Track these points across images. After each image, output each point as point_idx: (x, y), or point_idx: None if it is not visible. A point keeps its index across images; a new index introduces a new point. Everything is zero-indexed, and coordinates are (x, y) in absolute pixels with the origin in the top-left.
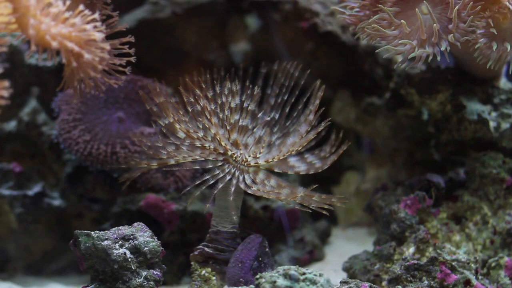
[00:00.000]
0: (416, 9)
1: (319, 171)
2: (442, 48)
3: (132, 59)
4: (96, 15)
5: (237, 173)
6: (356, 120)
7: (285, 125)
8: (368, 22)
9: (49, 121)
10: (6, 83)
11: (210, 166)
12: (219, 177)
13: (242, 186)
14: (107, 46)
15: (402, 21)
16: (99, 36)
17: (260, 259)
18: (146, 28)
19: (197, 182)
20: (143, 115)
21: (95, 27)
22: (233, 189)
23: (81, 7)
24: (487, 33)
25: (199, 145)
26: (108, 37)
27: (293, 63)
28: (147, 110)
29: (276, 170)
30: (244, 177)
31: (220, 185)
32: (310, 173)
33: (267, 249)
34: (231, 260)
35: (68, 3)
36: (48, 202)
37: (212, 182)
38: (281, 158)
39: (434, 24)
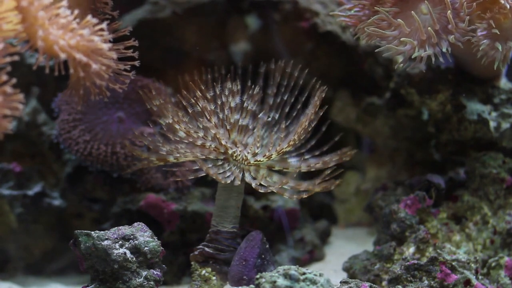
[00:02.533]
0: (412, 12)
1: (319, 169)
2: (443, 49)
3: (136, 63)
4: (104, 25)
5: (237, 171)
6: (356, 120)
7: (285, 125)
8: (367, 22)
9: (49, 121)
10: (21, 97)
11: (210, 165)
12: (219, 172)
13: (247, 179)
14: (113, 54)
15: (400, 21)
16: (106, 46)
17: (263, 256)
18: (146, 28)
19: (196, 167)
20: (143, 115)
21: (101, 36)
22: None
23: (89, 17)
24: (489, 34)
25: (199, 144)
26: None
27: (293, 63)
28: (147, 110)
29: (276, 167)
30: (244, 175)
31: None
32: (311, 170)
33: (267, 246)
34: (234, 258)
35: (76, 12)
36: (48, 202)
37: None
38: (279, 152)
39: (429, 28)
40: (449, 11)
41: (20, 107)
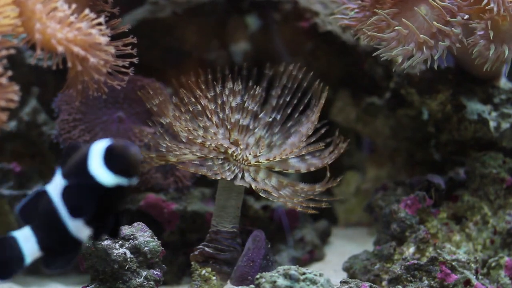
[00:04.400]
0: (403, 19)
1: (320, 167)
2: (436, 57)
3: (135, 60)
4: (102, 19)
5: (237, 171)
6: (356, 120)
7: (286, 126)
8: (366, 24)
9: (49, 121)
10: (17, 88)
11: (209, 164)
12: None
13: (247, 179)
14: (111, 49)
15: (398, 27)
16: (104, 40)
17: (268, 257)
18: (146, 28)
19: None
20: (143, 115)
21: (100, 30)
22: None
23: (86, 11)
24: (486, 35)
25: (199, 143)
26: (111, 38)
27: (295, 64)
28: (147, 110)
29: (277, 168)
30: (244, 176)
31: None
32: (311, 170)
33: (269, 245)
34: (242, 259)
35: (73, 6)
36: None
37: (212, 177)
38: (283, 157)
39: (421, 35)
40: (447, 16)
41: (15, 99)
